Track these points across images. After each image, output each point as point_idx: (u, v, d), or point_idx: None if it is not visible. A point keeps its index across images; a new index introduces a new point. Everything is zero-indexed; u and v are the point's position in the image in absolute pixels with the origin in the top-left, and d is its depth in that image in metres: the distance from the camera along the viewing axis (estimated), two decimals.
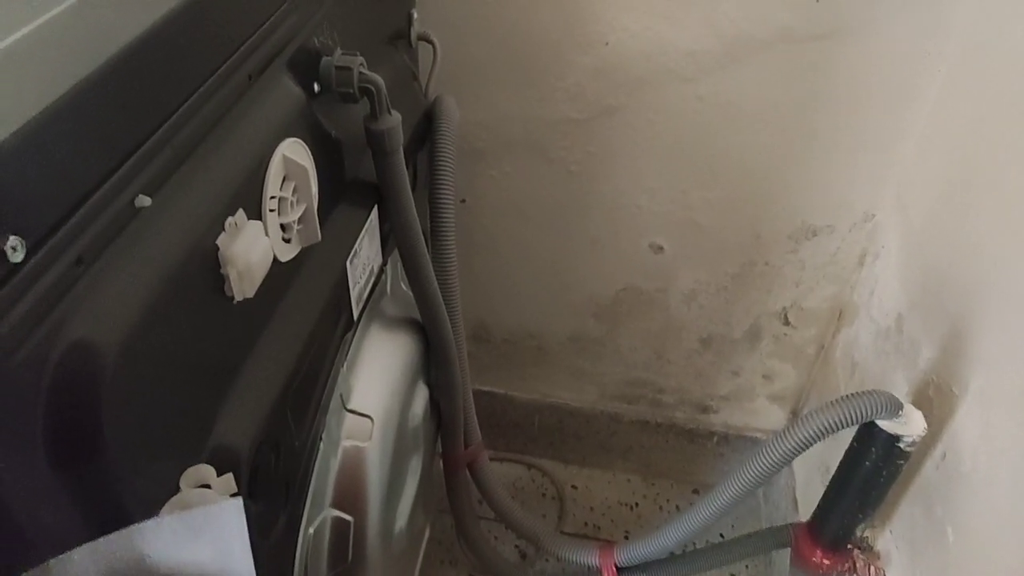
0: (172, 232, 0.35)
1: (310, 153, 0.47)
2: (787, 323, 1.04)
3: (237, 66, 0.42)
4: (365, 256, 0.59)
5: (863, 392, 0.67)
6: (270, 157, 0.43)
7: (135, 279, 0.32)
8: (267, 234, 0.42)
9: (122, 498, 0.33)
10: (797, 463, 1.08)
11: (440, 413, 0.78)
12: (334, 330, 0.55)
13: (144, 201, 0.33)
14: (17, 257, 0.27)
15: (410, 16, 0.72)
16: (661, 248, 0.98)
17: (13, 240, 0.27)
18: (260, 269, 0.40)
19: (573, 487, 1.22)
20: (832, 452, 0.82)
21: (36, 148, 0.28)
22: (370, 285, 0.62)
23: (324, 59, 0.51)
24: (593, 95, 0.85)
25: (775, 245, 0.96)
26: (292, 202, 0.45)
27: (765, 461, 0.71)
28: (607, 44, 0.81)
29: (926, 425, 0.68)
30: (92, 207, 0.31)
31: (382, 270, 0.65)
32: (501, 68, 0.84)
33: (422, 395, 0.70)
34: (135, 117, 0.34)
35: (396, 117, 0.55)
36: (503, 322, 1.11)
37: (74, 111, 0.30)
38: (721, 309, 1.04)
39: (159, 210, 0.34)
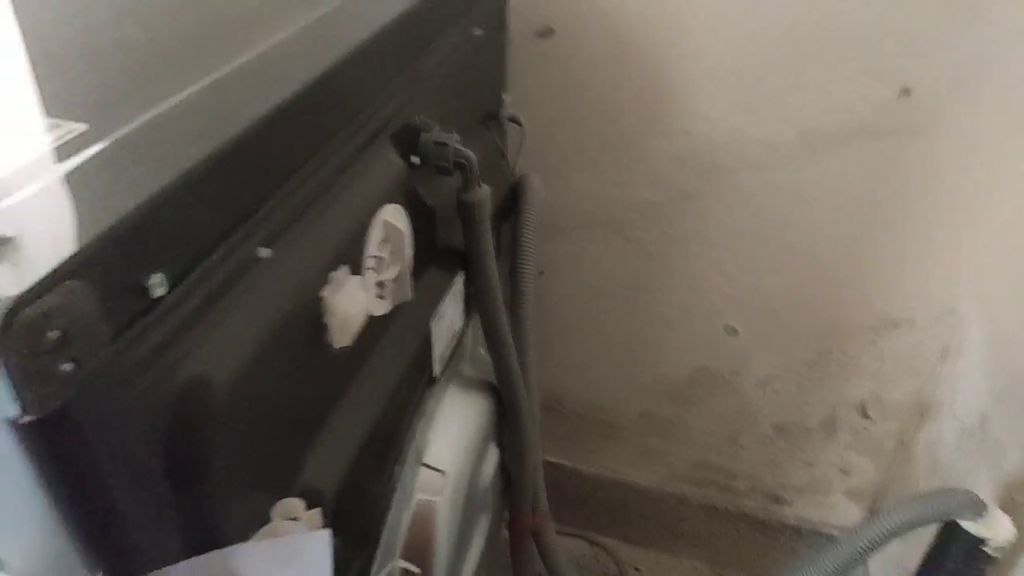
0: (285, 281, 0.39)
1: (407, 218, 0.51)
2: (866, 416, 1.02)
3: (347, 139, 0.47)
4: (449, 318, 0.62)
5: (944, 489, 0.65)
6: (372, 220, 0.47)
7: (251, 321, 0.36)
8: (365, 289, 0.45)
9: (220, 522, 0.36)
10: (874, 563, 1.03)
11: (509, 477, 0.79)
12: (416, 385, 0.58)
13: (264, 252, 0.37)
14: (159, 292, 0.31)
15: (502, 99, 0.78)
16: (735, 331, 0.98)
17: (156, 277, 0.31)
18: (357, 320, 0.44)
19: (636, 569, 1.18)
20: (911, 552, 0.78)
21: (180, 201, 0.32)
22: (452, 346, 0.65)
23: (423, 135, 0.56)
24: (671, 179, 0.88)
25: (853, 335, 0.95)
26: (388, 262, 0.49)
27: (838, 557, 0.68)
28: (687, 133, 0.84)
29: (1015, 530, 0.65)
30: (221, 254, 0.35)
31: (463, 333, 0.68)
32: (584, 151, 0.89)
33: (493, 457, 0.72)
34: (261, 179, 0.38)
35: (485, 190, 0.59)
36: (574, 394, 1.11)
37: (212, 171, 0.34)
38: (796, 396, 1.02)
39: (276, 261, 0.38)
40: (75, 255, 0.27)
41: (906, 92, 0.76)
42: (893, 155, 0.80)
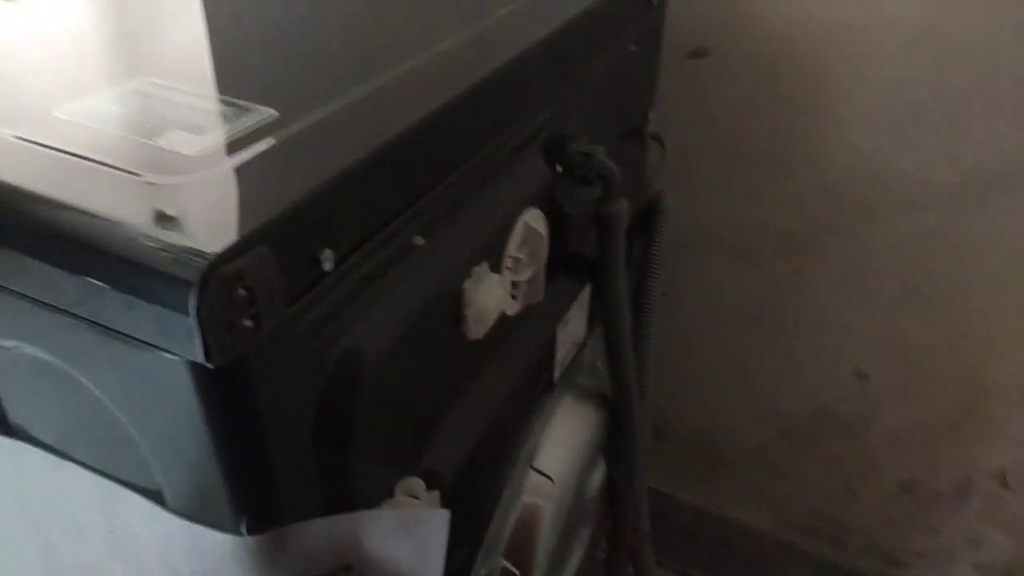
0: (433, 270, 0.41)
1: (546, 223, 0.53)
2: (1005, 485, 0.94)
3: (502, 143, 0.49)
4: (573, 325, 0.63)
5: None
6: (515, 222, 0.49)
7: (401, 302, 0.39)
8: (502, 287, 0.47)
9: (353, 488, 0.38)
10: None
11: (613, 494, 0.79)
12: (535, 388, 0.59)
13: (418, 240, 0.40)
14: (328, 266, 0.34)
15: (647, 116, 0.78)
16: (866, 376, 0.93)
17: (327, 252, 0.34)
18: (492, 315, 0.45)
19: None
20: None
21: (353, 186, 0.35)
22: (572, 354, 0.66)
23: (570, 145, 0.57)
24: (814, 210, 0.85)
25: (1000, 395, 0.88)
26: (525, 263, 0.51)
27: None
28: (837, 162, 0.81)
29: None
30: (382, 239, 0.37)
31: (584, 343, 0.69)
32: (725, 173, 0.87)
33: (600, 470, 0.72)
34: (423, 173, 0.41)
35: (623, 203, 0.60)
36: (684, 419, 1.09)
37: (383, 162, 0.37)
38: (928, 454, 0.96)
39: (427, 250, 0.40)
40: (265, 224, 0.30)
41: None
42: None
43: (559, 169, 0.57)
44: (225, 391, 0.31)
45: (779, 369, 0.98)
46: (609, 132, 0.68)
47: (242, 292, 0.28)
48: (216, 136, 0.36)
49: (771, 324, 0.95)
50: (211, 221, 0.30)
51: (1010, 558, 0.99)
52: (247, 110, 0.39)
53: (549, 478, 0.62)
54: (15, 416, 0.40)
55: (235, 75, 0.43)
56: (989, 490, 0.95)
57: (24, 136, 0.35)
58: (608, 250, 0.61)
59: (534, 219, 0.51)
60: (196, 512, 0.36)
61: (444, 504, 0.47)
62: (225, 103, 0.39)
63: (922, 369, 0.90)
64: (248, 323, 0.29)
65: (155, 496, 0.37)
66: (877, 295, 0.87)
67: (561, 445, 0.64)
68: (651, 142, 0.80)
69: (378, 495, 0.41)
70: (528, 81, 0.50)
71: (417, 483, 0.42)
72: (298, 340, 0.33)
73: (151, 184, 0.32)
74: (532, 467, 0.62)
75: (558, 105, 0.55)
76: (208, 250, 0.27)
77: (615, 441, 0.74)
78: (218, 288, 0.27)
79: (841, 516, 1.06)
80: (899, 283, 0.85)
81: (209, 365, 0.28)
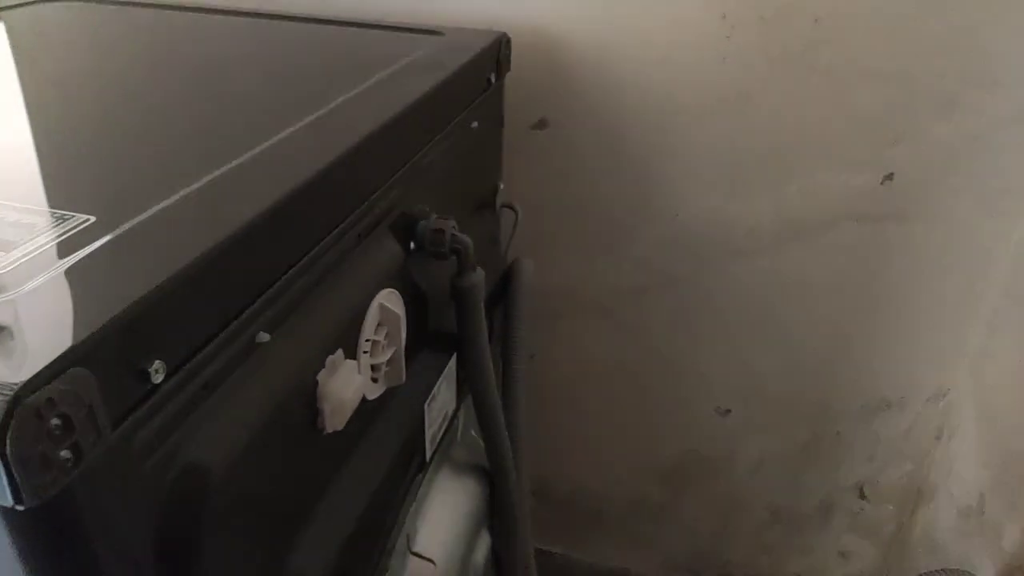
0: (282, 366, 0.39)
1: (403, 302, 0.52)
2: (863, 498, 1.01)
3: (349, 228, 0.48)
4: (442, 400, 0.63)
5: (943, 570, 0.64)
6: (369, 305, 0.48)
7: (247, 407, 0.37)
8: (359, 373, 0.46)
9: None
10: None
11: (500, 565, 0.77)
12: (407, 470, 0.57)
13: (263, 337, 0.38)
14: (158, 378, 0.31)
15: (496, 188, 0.80)
16: (728, 411, 0.98)
17: (157, 364, 0.31)
18: (351, 405, 0.44)
19: None
20: None
21: (182, 291, 0.33)
22: (443, 428, 0.65)
23: (421, 222, 0.58)
24: (659, 264, 0.90)
25: (846, 416, 0.95)
26: (383, 345, 0.50)
27: None
28: (676, 216, 0.87)
29: None
30: (221, 340, 0.36)
31: (455, 415, 0.68)
32: (575, 236, 0.91)
33: (484, 543, 0.70)
34: (263, 269, 0.39)
35: (480, 274, 0.60)
36: (564, 479, 1.10)
37: (215, 263, 0.35)
38: (790, 480, 1.01)
39: (274, 345, 0.39)
40: (80, 343, 0.27)
41: (889, 178, 0.79)
42: (879, 240, 0.83)
43: (412, 247, 0.57)
44: (47, 532, 0.28)
45: (647, 417, 1.01)
46: (460, 204, 0.69)
47: (56, 421, 0.26)
48: (25, 249, 0.33)
49: (635, 375, 0.99)
50: (13, 345, 0.27)
51: (876, 564, 1.05)
52: (61, 218, 0.36)
53: (431, 561, 0.60)
54: None
55: (48, 183, 0.41)
56: (850, 505, 1.01)
57: None
58: (468, 323, 0.61)
59: (389, 299, 0.51)
60: None
61: None
62: (36, 213, 0.37)
63: (774, 400, 0.96)
64: (65, 455, 0.26)
65: None
66: (726, 335, 0.93)
67: (441, 525, 0.62)
68: (504, 211, 0.82)
69: None
70: (370, 165, 0.50)
71: None
72: (130, 462, 0.30)
73: None
74: (412, 552, 0.60)
75: (405, 185, 0.55)
76: (9, 380, 0.25)
77: (496, 511, 0.73)
78: (24, 422, 0.24)
79: (722, 551, 1.09)
80: (742, 324, 0.91)
81: (20, 508, 0.25)
